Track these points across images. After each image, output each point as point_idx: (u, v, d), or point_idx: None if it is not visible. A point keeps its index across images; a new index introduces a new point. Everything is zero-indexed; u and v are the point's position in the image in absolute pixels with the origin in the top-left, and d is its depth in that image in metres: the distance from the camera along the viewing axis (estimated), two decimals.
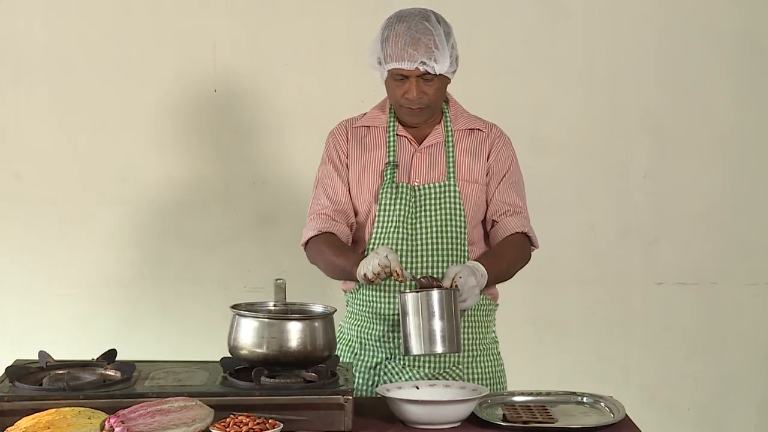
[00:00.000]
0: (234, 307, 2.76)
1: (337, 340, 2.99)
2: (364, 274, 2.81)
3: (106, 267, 4.19)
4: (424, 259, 2.99)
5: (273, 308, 2.81)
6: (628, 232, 4.33)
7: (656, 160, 4.32)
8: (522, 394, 2.83)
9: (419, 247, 3.00)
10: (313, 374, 2.65)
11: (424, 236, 3.00)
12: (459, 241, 3.02)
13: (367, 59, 3.02)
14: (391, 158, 3.05)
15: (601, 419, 2.65)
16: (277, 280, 2.86)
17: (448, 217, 3.02)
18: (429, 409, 2.57)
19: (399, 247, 2.99)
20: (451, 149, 3.07)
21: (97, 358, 2.78)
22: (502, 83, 4.26)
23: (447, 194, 3.03)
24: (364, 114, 3.14)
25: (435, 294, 2.72)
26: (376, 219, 3.03)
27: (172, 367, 2.82)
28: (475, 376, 3.05)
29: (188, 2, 4.15)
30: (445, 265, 2.98)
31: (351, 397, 2.54)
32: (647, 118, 4.31)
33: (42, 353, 2.75)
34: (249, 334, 2.66)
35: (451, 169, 3.05)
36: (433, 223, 3.01)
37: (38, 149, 4.15)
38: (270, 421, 2.43)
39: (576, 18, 4.26)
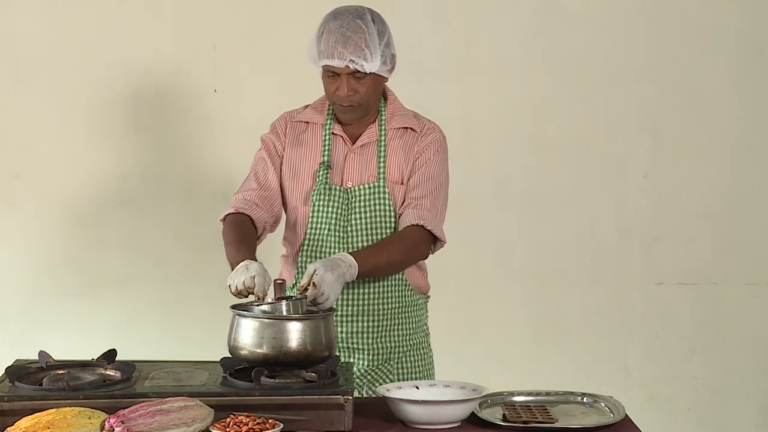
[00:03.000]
0: (234, 307, 2.76)
1: None
2: (229, 285, 2.77)
3: (106, 267, 4.18)
4: None
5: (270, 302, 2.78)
6: (628, 232, 4.34)
7: (656, 160, 4.32)
8: (522, 394, 2.83)
9: (350, 249, 3.01)
10: (313, 374, 2.65)
11: (355, 239, 3.03)
12: None
13: (307, 55, 3.02)
14: (325, 158, 3.06)
15: (601, 419, 2.65)
16: (276, 279, 2.85)
17: (379, 219, 3.04)
18: (429, 409, 2.57)
19: (332, 251, 3.01)
20: (383, 149, 3.07)
21: (97, 358, 2.78)
22: (502, 83, 4.26)
23: (377, 196, 3.05)
24: (306, 107, 3.15)
25: (282, 305, 2.72)
26: (309, 221, 3.04)
27: (172, 367, 2.82)
28: (404, 371, 3.09)
29: (188, 2, 4.16)
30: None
31: (351, 397, 2.54)
32: (647, 118, 4.31)
33: (42, 353, 2.75)
34: (249, 334, 2.66)
35: (382, 170, 3.06)
36: (365, 226, 3.04)
37: (38, 149, 4.15)
38: (270, 421, 2.43)
39: (576, 18, 4.26)
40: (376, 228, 3.03)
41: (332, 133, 3.08)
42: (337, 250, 3.01)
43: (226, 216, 3.04)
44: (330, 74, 2.97)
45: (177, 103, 4.15)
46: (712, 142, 4.33)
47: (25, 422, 2.37)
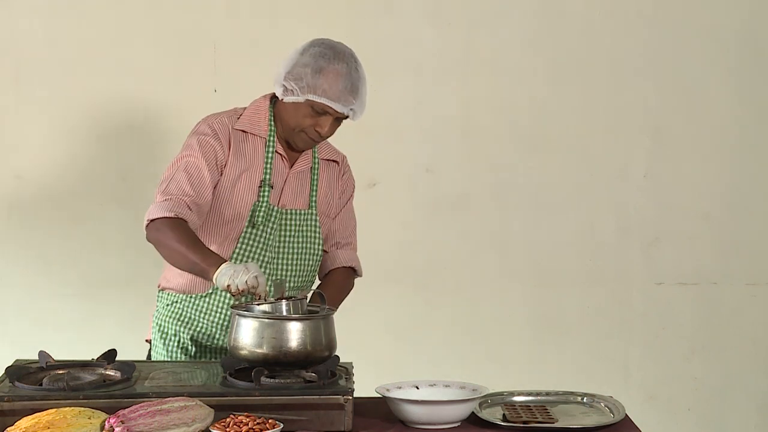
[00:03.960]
0: (234, 307, 2.76)
1: (162, 341, 3.08)
2: (228, 285, 2.73)
3: (106, 267, 4.18)
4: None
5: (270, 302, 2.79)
6: (628, 232, 4.34)
7: (656, 160, 4.32)
8: (522, 394, 2.83)
9: (281, 272, 3.06)
10: (313, 374, 2.65)
11: (285, 261, 3.07)
12: (314, 269, 3.15)
13: (279, 75, 2.99)
14: (268, 176, 3.05)
15: (601, 419, 2.65)
16: (276, 279, 2.86)
17: (308, 245, 3.11)
18: (429, 409, 2.57)
19: (263, 270, 3.01)
20: (315, 178, 3.13)
21: (97, 358, 2.78)
22: (502, 83, 4.26)
23: (308, 223, 3.11)
24: (241, 113, 3.10)
25: (283, 304, 2.73)
26: (244, 236, 3.03)
27: (172, 367, 2.83)
28: None
29: (188, 2, 4.15)
30: (299, 291, 3.04)
31: (351, 397, 2.54)
32: (647, 118, 4.31)
33: (42, 353, 2.75)
34: (249, 334, 2.66)
35: (314, 199, 3.13)
36: (295, 250, 3.09)
37: (38, 149, 4.15)
38: (270, 421, 2.43)
39: (576, 18, 4.27)
40: (305, 253, 3.11)
41: (276, 152, 3.08)
42: (267, 270, 3.03)
43: (160, 218, 2.92)
44: (319, 111, 2.97)
45: (177, 103, 4.15)
46: (712, 142, 4.33)
47: (25, 422, 2.37)
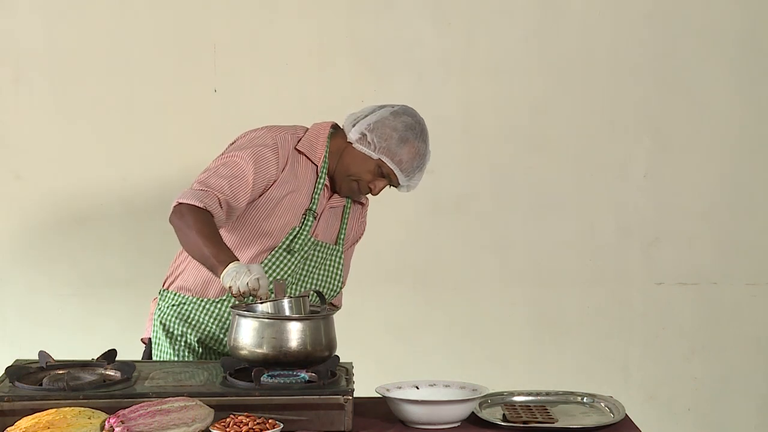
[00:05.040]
0: (234, 307, 2.76)
1: (168, 340, 3.09)
2: (230, 287, 2.74)
3: (106, 267, 4.18)
4: None
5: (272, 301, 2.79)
6: (628, 232, 4.34)
7: (656, 160, 4.32)
8: (522, 394, 2.83)
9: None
10: (313, 374, 2.65)
11: (304, 289, 3.10)
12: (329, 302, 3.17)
13: (361, 121, 3.03)
14: (314, 207, 3.08)
15: (601, 419, 2.65)
16: (278, 279, 2.86)
17: (329, 279, 3.15)
18: (429, 409, 2.57)
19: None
20: (346, 216, 3.18)
21: (97, 358, 2.78)
22: (502, 83, 4.26)
23: (334, 258, 3.15)
24: (302, 134, 3.11)
25: (285, 302, 2.74)
26: (276, 256, 3.05)
27: (172, 367, 2.83)
28: None
29: (188, 2, 4.15)
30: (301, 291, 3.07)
31: (351, 397, 2.54)
32: (647, 118, 4.31)
33: (42, 353, 2.76)
34: (249, 334, 2.66)
35: (342, 236, 3.17)
36: (316, 281, 3.13)
37: (38, 149, 4.15)
38: (270, 421, 2.43)
39: (576, 18, 4.27)
40: (325, 285, 3.15)
41: (324, 183, 3.10)
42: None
43: (189, 204, 2.94)
44: (381, 173, 3.04)
45: (177, 103, 4.15)
46: (712, 142, 4.33)
47: (25, 422, 2.37)
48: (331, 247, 3.13)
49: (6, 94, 4.13)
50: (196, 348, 3.09)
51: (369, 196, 3.20)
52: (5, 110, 4.14)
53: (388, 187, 3.11)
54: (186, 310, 3.10)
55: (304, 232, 3.05)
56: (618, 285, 4.35)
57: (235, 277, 2.73)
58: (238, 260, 2.80)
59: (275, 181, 3.04)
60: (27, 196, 4.16)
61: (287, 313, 2.75)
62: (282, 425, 2.43)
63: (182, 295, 3.11)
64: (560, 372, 4.30)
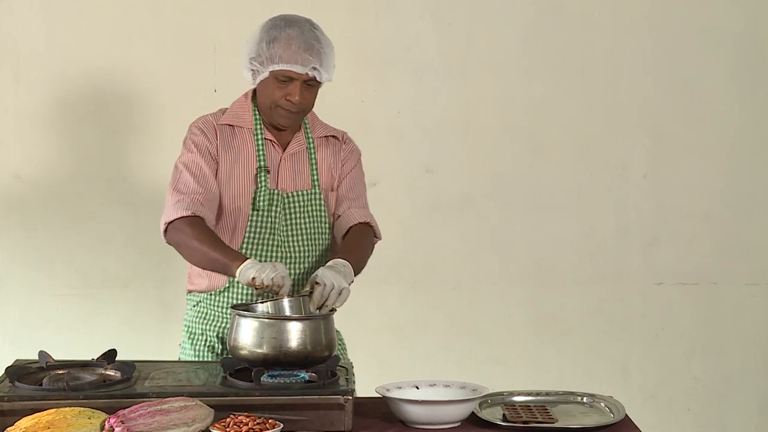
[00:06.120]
0: (234, 307, 2.77)
1: (190, 341, 3.08)
2: (253, 278, 2.74)
3: (106, 267, 4.19)
4: (297, 265, 3.04)
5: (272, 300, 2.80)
6: (628, 232, 4.34)
7: (656, 160, 4.33)
8: (522, 394, 2.83)
9: (291, 254, 3.05)
10: (313, 374, 2.65)
11: (295, 243, 3.06)
12: (324, 247, 3.13)
13: (242, 58, 3.03)
14: (262, 163, 3.07)
15: (601, 419, 2.65)
16: None
17: (316, 224, 3.10)
18: (429, 409, 2.57)
19: (274, 255, 3.03)
20: (313, 157, 3.13)
21: (97, 358, 2.78)
22: (502, 83, 4.26)
23: (313, 202, 3.10)
24: (224, 111, 3.13)
25: (285, 302, 2.74)
26: (250, 224, 3.04)
27: (172, 367, 2.83)
28: None
29: (188, 2, 4.16)
30: (313, 271, 3.01)
31: (351, 397, 2.54)
32: (647, 118, 4.31)
33: (42, 353, 2.75)
34: (249, 334, 2.66)
35: (315, 177, 3.12)
36: (303, 231, 3.08)
37: (38, 149, 4.15)
38: (270, 421, 2.43)
39: (575, 18, 4.27)
40: (314, 233, 3.10)
41: (264, 138, 3.09)
42: (278, 255, 3.03)
43: (173, 221, 2.96)
44: (283, 79, 2.99)
45: (177, 103, 4.15)
46: (712, 142, 4.33)
47: (25, 422, 2.37)
48: (306, 192, 3.09)
49: (6, 94, 4.13)
50: (216, 345, 3.09)
51: (343, 133, 3.19)
52: (5, 110, 4.14)
53: (310, 86, 3.01)
54: (202, 308, 3.11)
55: (262, 189, 3.04)
56: (618, 285, 4.35)
57: (261, 269, 2.75)
58: (249, 258, 2.82)
59: (217, 157, 3.06)
60: (27, 196, 4.16)
61: (287, 312, 2.76)
62: (282, 425, 2.43)
63: (197, 294, 3.12)
64: (560, 372, 4.31)
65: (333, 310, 2.81)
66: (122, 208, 4.18)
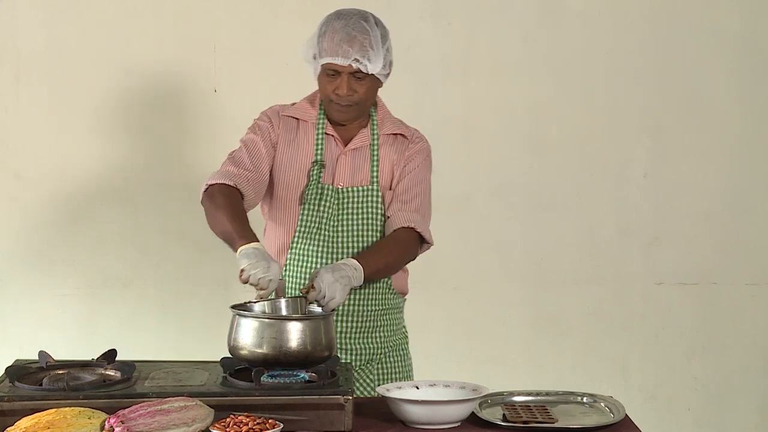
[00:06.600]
0: (234, 307, 2.77)
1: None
2: (242, 269, 2.75)
3: (106, 267, 4.19)
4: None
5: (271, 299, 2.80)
6: (628, 232, 4.34)
7: (656, 160, 4.32)
8: (522, 394, 2.83)
9: (340, 250, 3.04)
10: (313, 374, 2.65)
11: (345, 240, 3.05)
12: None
13: (302, 54, 3.04)
14: (319, 157, 3.07)
15: (601, 419, 2.65)
16: (279, 279, 2.86)
17: (370, 222, 3.08)
18: (429, 409, 2.57)
19: (321, 249, 3.03)
20: (375, 154, 3.11)
21: (97, 358, 2.78)
22: (502, 83, 4.26)
23: (370, 199, 3.08)
24: (294, 104, 3.16)
25: (282, 302, 2.75)
26: (300, 218, 3.05)
27: (172, 367, 2.82)
28: (385, 372, 3.12)
29: (188, 2, 4.16)
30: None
31: (351, 397, 2.54)
32: (647, 118, 4.31)
33: (42, 353, 2.75)
34: (249, 334, 2.66)
35: (375, 174, 3.10)
36: (355, 228, 3.06)
37: (38, 149, 4.15)
38: (270, 421, 2.43)
39: (575, 18, 4.27)
40: (366, 230, 3.07)
41: (325, 132, 3.09)
42: (326, 250, 3.03)
43: (213, 184, 2.99)
44: (330, 72, 2.99)
45: (177, 103, 4.15)
46: (712, 142, 4.33)
47: (25, 422, 2.37)
48: (363, 189, 3.07)
49: (6, 94, 4.13)
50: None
51: (414, 131, 3.17)
52: (5, 110, 4.14)
53: (359, 78, 2.99)
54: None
55: (313, 183, 3.04)
56: (618, 285, 4.35)
57: (254, 264, 2.74)
58: (258, 242, 2.81)
59: (277, 144, 3.08)
60: (27, 196, 4.16)
61: (284, 313, 2.76)
62: (282, 425, 2.43)
63: None
64: (560, 372, 4.30)
65: (333, 310, 2.82)
66: (122, 208, 4.18)
